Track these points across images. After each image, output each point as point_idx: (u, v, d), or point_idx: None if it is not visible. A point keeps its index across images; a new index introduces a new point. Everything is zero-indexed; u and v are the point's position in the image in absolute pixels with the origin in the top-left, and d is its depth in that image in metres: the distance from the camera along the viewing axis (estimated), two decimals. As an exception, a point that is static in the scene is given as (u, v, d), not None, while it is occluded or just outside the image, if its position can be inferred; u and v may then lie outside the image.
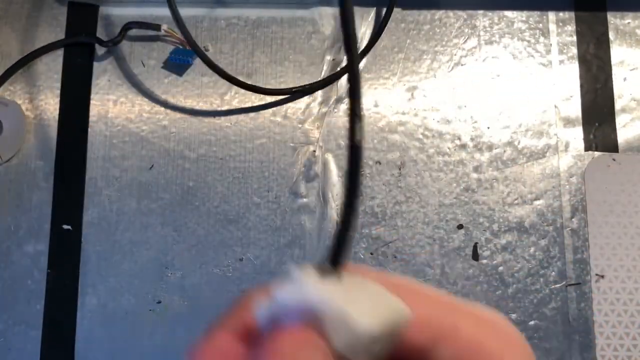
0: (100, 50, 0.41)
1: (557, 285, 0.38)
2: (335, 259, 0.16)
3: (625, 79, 0.41)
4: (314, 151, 0.39)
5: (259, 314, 0.16)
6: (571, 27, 0.42)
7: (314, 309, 0.15)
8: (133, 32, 0.41)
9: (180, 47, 0.40)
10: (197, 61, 0.41)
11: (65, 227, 0.38)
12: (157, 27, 0.40)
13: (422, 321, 0.18)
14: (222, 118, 0.40)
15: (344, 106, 0.40)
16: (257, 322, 0.16)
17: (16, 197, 0.39)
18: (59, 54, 0.41)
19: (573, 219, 0.39)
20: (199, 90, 0.40)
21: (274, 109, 0.40)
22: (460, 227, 0.38)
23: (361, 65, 0.41)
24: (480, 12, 0.42)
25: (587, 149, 0.40)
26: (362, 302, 0.15)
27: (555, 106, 0.40)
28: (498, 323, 0.19)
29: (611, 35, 0.41)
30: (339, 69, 0.40)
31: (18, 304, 0.37)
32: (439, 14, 0.42)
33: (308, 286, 0.15)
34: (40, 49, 0.40)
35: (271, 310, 0.15)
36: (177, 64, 0.40)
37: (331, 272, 0.16)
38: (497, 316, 0.19)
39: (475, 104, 0.40)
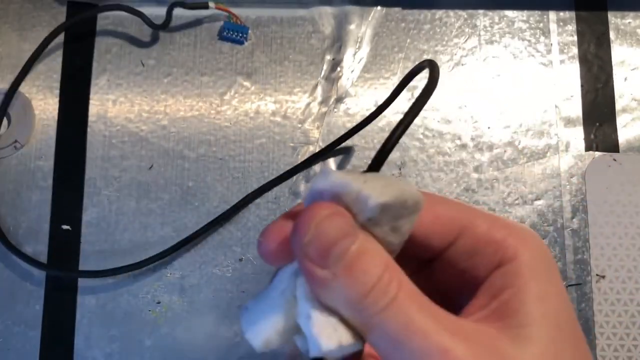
0: (99, 49, 0.41)
1: (558, 286, 0.38)
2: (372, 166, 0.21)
3: (626, 79, 0.41)
4: (314, 151, 0.39)
5: (305, 201, 0.20)
6: (572, 27, 0.41)
7: (339, 189, 0.19)
8: (132, 31, 0.41)
9: (231, 21, 0.40)
10: (198, 60, 0.40)
11: (65, 227, 0.38)
12: (204, 6, 0.39)
13: (445, 218, 0.21)
14: (222, 118, 0.40)
15: (344, 106, 0.40)
16: (303, 207, 0.20)
17: (15, 197, 0.38)
18: (59, 53, 0.40)
19: (574, 220, 0.39)
20: (198, 90, 0.40)
21: (274, 108, 0.40)
22: (460, 227, 0.38)
23: (361, 65, 0.41)
24: (481, 11, 0.42)
25: (587, 149, 0.40)
26: (376, 184, 0.19)
27: (556, 106, 0.40)
28: (513, 224, 0.21)
29: (612, 35, 0.41)
30: (338, 68, 0.40)
31: (17, 305, 0.37)
32: (439, 13, 0.42)
33: (334, 175, 0.19)
34: (63, 26, 0.40)
35: (310, 195, 0.20)
36: (230, 39, 0.41)
37: (355, 171, 0.20)
38: (514, 221, 0.22)
39: (475, 104, 0.40)
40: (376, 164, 0.20)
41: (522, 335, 0.18)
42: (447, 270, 0.22)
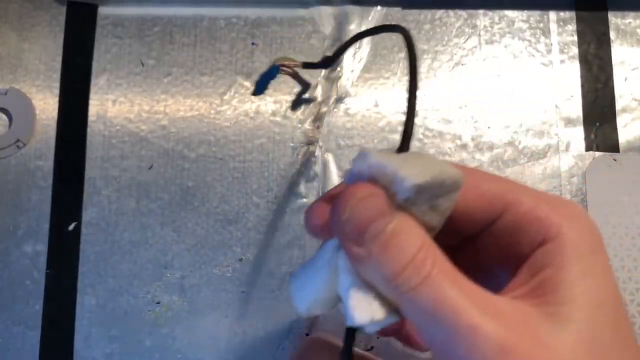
0: (99, 49, 0.41)
1: (558, 286, 0.38)
2: (402, 146, 0.21)
3: (626, 79, 0.41)
4: (314, 151, 0.39)
5: (344, 181, 0.21)
6: (572, 27, 0.41)
7: (376, 170, 0.20)
8: (132, 31, 0.41)
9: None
10: (198, 60, 0.40)
11: (70, 227, 0.38)
12: None
13: (489, 195, 0.21)
14: (222, 118, 0.40)
15: (344, 106, 0.40)
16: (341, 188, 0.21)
17: (15, 197, 0.38)
18: (58, 53, 0.40)
19: (574, 219, 0.38)
20: (198, 89, 0.40)
21: (274, 108, 0.40)
22: (460, 227, 0.38)
23: (361, 65, 0.41)
24: (481, 11, 0.41)
25: (588, 149, 0.40)
26: (414, 164, 0.20)
27: (556, 106, 0.40)
28: (559, 200, 0.21)
29: (612, 35, 0.41)
30: (338, 68, 0.40)
31: (17, 304, 0.37)
32: (439, 13, 0.41)
33: (372, 156, 0.20)
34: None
35: (349, 176, 0.21)
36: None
37: (392, 152, 0.21)
38: (560, 197, 0.21)
39: (475, 104, 0.40)
40: (404, 145, 0.21)
41: (558, 314, 0.18)
42: (490, 247, 0.22)
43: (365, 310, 0.20)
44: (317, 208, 0.22)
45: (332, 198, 0.21)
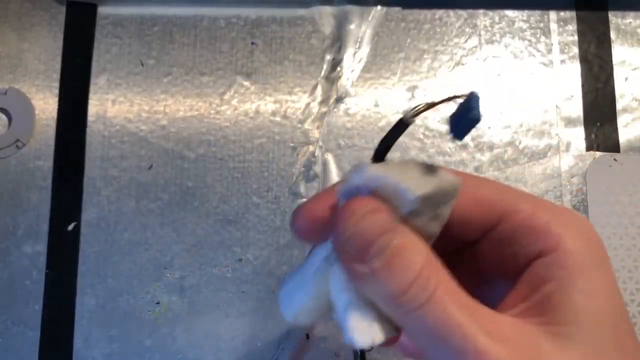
0: (98, 48, 0.41)
1: (558, 286, 0.37)
2: (380, 155, 0.21)
3: (626, 79, 0.41)
4: (314, 151, 0.39)
5: (338, 193, 0.20)
6: (572, 27, 0.41)
7: (376, 184, 0.19)
8: (132, 31, 0.41)
9: None
10: (197, 60, 0.40)
11: (69, 227, 0.38)
12: None
13: (485, 202, 0.20)
14: (222, 118, 0.40)
15: (344, 106, 0.40)
16: (338, 200, 0.20)
17: (15, 197, 0.38)
18: (58, 53, 0.40)
19: (574, 220, 0.38)
20: (198, 89, 0.40)
21: (274, 108, 0.40)
22: (460, 227, 0.38)
23: (361, 65, 0.41)
24: (481, 11, 0.41)
25: (588, 149, 0.40)
26: (413, 175, 0.19)
27: (557, 106, 0.40)
28: (560, 209, 0.20)
29: (612, 35, 0.41)
30: (338, 68, 0.40)
31: (16, 305, 0.37)
32: (440, 13, 0.41)
33: (370, 169, 0.19)
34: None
35: (347, 190, 0.20)
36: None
37: (386, 163, 0.21)
38: (561, 206, 0.20)
39: (475, 104, 0.40)
40: (380, 155, 0.21)
41: (563, 334, 0.18)
42: (489, 254, 0.21)
43: (365, 333, 0.19)
44: (306, 210, 0.21)
45: (321, 199, 0.21)
